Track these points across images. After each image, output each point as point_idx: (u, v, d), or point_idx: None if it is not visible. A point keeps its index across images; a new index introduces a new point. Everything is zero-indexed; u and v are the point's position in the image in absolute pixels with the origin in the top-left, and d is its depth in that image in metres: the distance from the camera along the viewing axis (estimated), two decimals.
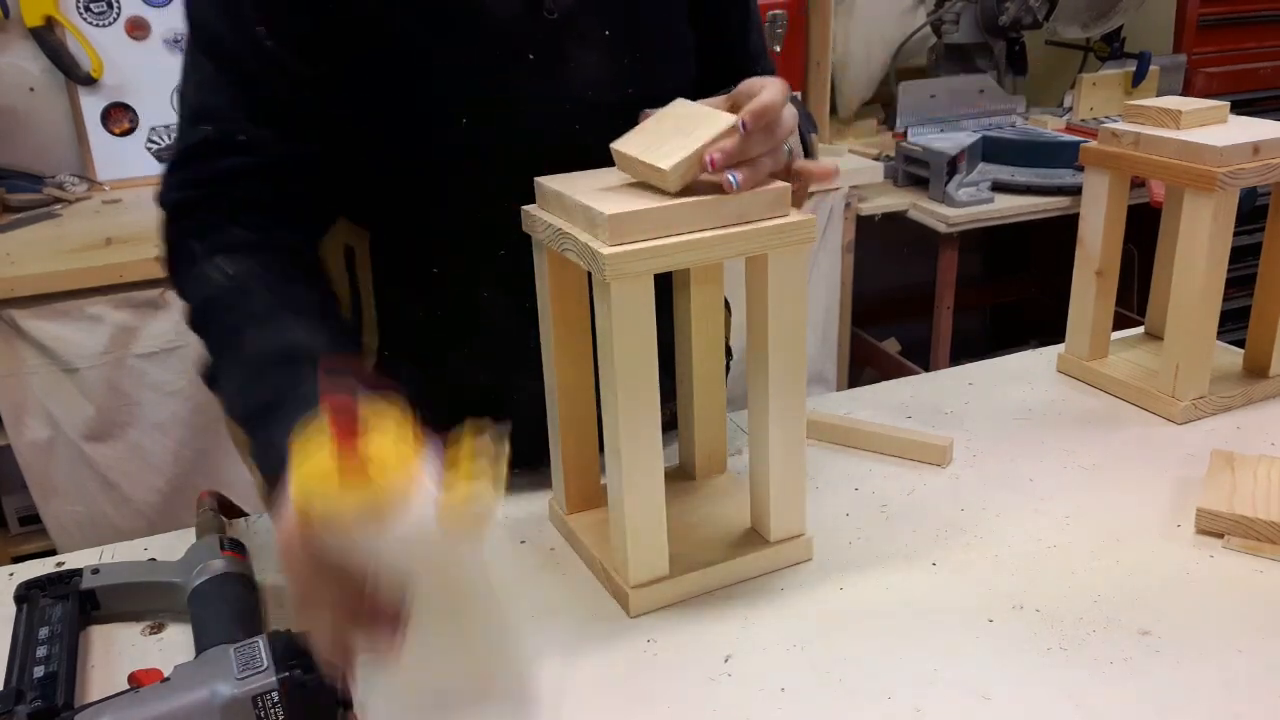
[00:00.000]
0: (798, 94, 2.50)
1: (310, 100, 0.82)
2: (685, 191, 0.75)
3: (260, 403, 0.72)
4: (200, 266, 0.80)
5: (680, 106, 0.78)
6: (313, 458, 0.55)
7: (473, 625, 0.61)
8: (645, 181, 0.76)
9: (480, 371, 0.96)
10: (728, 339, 1.12)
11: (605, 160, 0.83)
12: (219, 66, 0.81)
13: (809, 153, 0.90)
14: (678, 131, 0.75)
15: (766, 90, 0.75)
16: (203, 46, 0.82)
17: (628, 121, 0.79)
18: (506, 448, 0.56)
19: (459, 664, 0.63)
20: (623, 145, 0.77)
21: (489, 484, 0.54)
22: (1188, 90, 2.65)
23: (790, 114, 0.78)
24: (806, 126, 0.90)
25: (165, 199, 0.84)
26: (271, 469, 0.68)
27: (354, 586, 0.58)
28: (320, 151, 0.84)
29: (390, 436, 0.55)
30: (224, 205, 0.82)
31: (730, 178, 0.74)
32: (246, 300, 0.78)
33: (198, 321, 0.81)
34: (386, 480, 0.53)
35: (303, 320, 0.77)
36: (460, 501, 0.54)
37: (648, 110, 0.79)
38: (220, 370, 0.78)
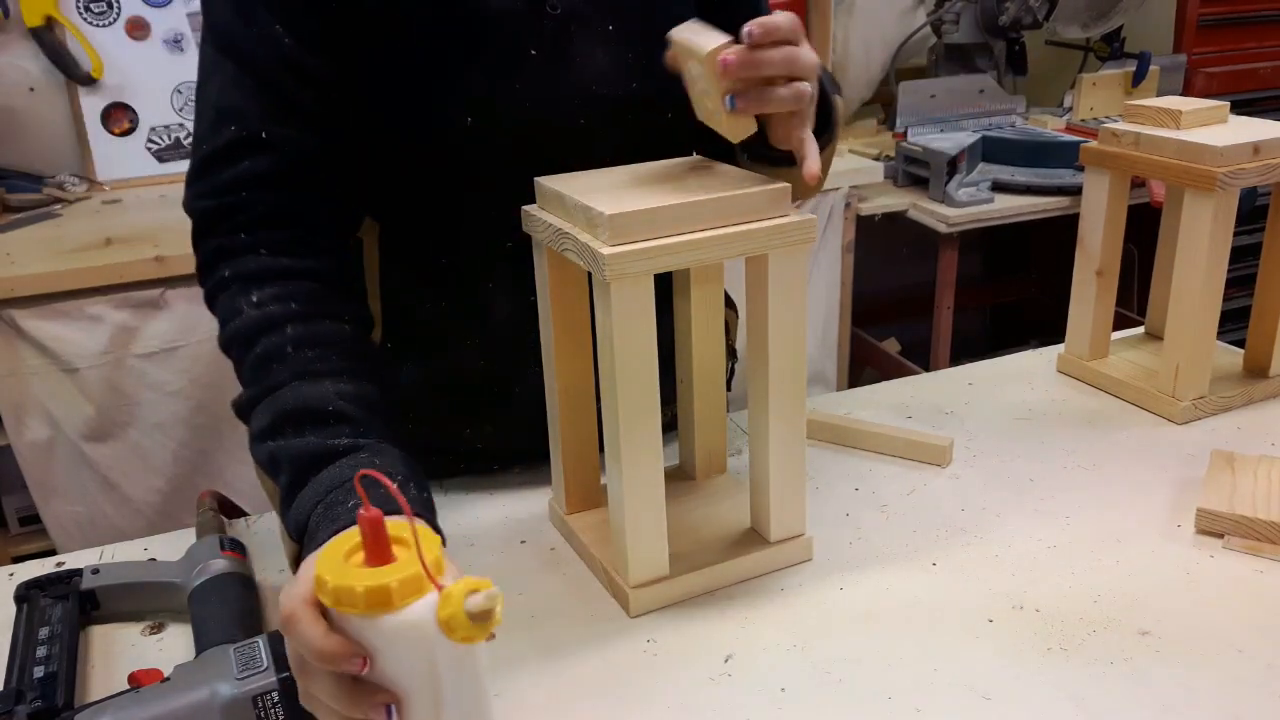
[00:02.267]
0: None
1: (329, 98, 0.82)
2: (685, 191, 0.75)
3: (292, 470, 0.73)
4: (231, 292, 0.80)
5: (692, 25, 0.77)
6: (341, 541, 0.58)
7: None
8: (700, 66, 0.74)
9: (483, 363, 0.97)
10: (732, 340, 1.12)
11: (612, 154, 0.83)
12: (241, 67, 0.80)
13: (833, 113, 0.86)
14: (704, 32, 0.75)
15: (776, 13, 0.73)
16: (223, 47, 0.81)
17: (633, 116, 0.78)
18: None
19: None
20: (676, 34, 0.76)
21: (492, 599, 0.55)
22: (1188, 90, 2.65)
23: (811, 54, 0.75)
24: (830, 87, 0.86)
25: (191, 207, 0.83)
26: (296, 531, 0.71)
27: (349, 664, 0.57)
28: (341, 151, 0.84)
29: (413, 552, 0.56)
30: (249, 219, 0.81)
31: (728, 101, 0.73)
32: (274, 335, 0.77)
33: (226, 347, 0.81)
34: (403, 574, 0.55)
35: (331, 363, 0.77)
36: (461, 610, 0.54)
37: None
38: (251, 410, 0.77)
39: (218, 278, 0.81)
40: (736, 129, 0.75)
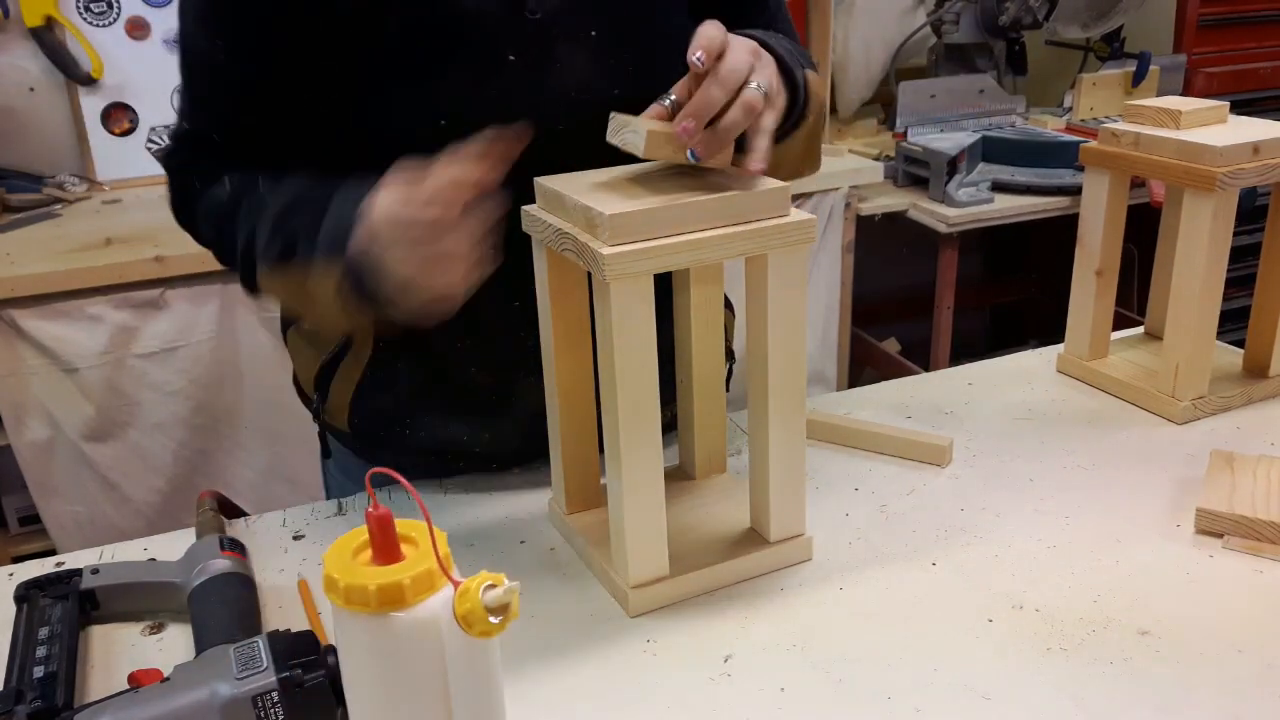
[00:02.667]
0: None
1: (274, 111, 0.87)
2: (685, 191, 0.75)
3: (305, 221, 0.78)
4: (207, 190, 0.89)
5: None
6: (347, 540, 0.58)
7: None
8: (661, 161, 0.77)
9: (478, 369, 0.96)
10: (729, 341, 1.12)
11: (592, 160, 0.82)
12: (189, 68, 0.89)
13: (799, 90, 0.84)
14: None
15: (703, 26, 0.74)
16: (181, 48, 0.89)
17: None
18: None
19: None
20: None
21: (509, 593, 0.55)
22: (1188, 90, 2.65)
23: (737, 63, 0.74)
24: (799, 61, 0.85)
25: (166, 164, 0.94)
26: (336, 244, 0.74)
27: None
28: (291, 157, 0.88)
29: (420, 550, 0.56)
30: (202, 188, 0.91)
31: (690, 156, 0.75)
32: (255, 185, 0.86)
33: (215, 228, 0.89)
34: (414, 571, 0.55)
35: (310, 173, 0.84)
36: (479, 604, 0.54)
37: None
38: (254, 232, 0.82)
39: (190, 190, 0.91)
40: (716, 163, 0.77)
